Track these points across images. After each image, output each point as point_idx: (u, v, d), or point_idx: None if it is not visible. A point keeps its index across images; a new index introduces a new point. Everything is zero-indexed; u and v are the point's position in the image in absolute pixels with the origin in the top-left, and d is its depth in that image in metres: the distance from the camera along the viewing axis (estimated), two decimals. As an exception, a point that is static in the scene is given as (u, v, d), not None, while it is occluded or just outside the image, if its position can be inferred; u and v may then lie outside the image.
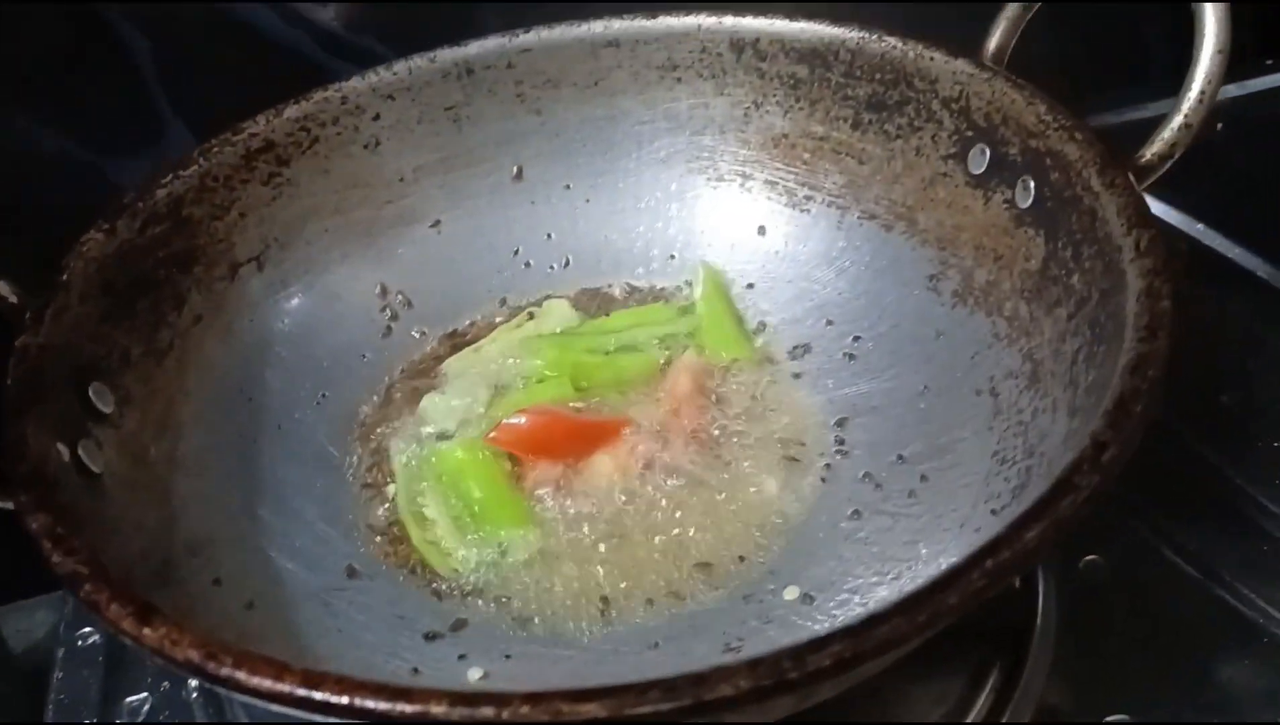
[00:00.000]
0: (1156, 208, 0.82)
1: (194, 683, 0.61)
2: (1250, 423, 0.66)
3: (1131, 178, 0.52)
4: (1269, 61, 0.96)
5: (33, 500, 0.44)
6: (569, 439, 0.62)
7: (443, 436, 0.64)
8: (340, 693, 0.35)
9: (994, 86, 0.60)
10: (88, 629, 0.65)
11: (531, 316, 0.71)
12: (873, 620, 0.36)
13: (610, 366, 0.67)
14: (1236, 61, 0.95)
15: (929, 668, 0.54)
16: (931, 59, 0.63)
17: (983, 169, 0.61)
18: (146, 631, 0.39)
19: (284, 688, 0.36)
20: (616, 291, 0.73)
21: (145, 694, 0.61)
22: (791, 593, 0.53)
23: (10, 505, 0.45)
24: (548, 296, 0.73)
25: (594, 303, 0.73)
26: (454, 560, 0.58)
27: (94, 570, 0.41)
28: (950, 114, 0.63)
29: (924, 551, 0.53)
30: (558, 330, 0.70)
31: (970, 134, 0.62)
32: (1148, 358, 0.43)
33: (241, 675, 0.36)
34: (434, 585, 0.57)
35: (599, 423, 0.63)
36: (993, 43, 0.62)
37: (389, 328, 0.70)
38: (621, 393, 0.66)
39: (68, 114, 0.79)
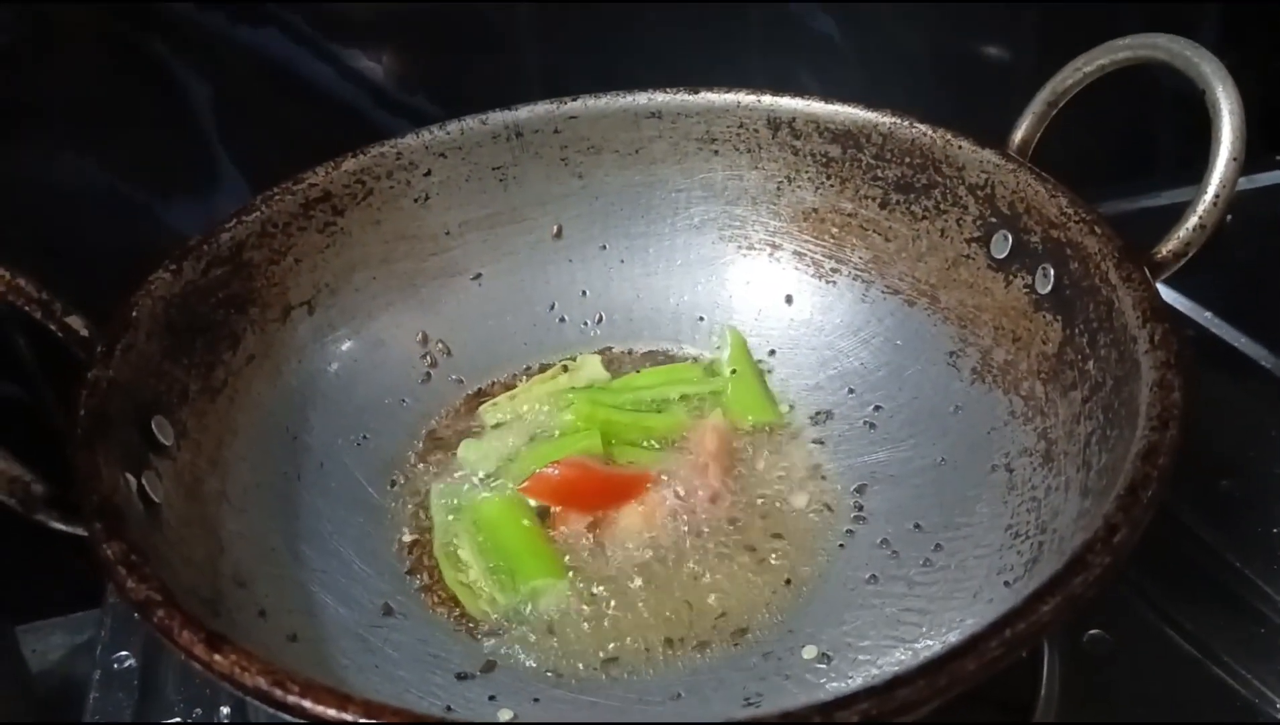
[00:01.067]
0: (1166, 295, 0.85)
1: (225, 709, 0.63)
2: (1250, 508, 0.69)
3: (1147, 272, 0.55)
4: (1278, 157, 1.00)
5: (106, 528, 0.46)
6: (598, 491, 0.65)
7: (479, 481, 0.67)
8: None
9: (1019, 177, 0.63)
10: (124, 652, 0.67)
11: (566, 369, 0.74)
12: (897, 681, 0.38)
13: (639, 425, 0.69)
14: (1247, 156, 0.99)
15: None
16: (960, 147, 0.66)
17: (1005, 254, 0.64)
18: (217, 658, 0.41)
19: (346, 717, 0.38)
20: (646, 349, 0.76)
21: (178, 719, 0.63)
22: (810, 651, 0.56)
23: (83, 532, 0.47)
24: (581, 351, 0.76)
25: (625, 359, 0.76)
26: (484, 602, 0.60)
27: (166, 598, 0.44)
28: (975, 200, 0.66)
29: (938, 618, 0.55)
30: (589, 385, 0.73)
31: (994, 220, 0.65)
32: (1159, 447, 0.46)
33: (307, 703, 0.39)
34: (466, 627, 0.59)
35: (627, 476, 0.66)
36: (1019, 135, 0.66)
37: (428, 375, 0.73)
38: (649, 449, 0.68)
39: (125, 157, 0.82)
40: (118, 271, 0.61)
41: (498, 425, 0.70)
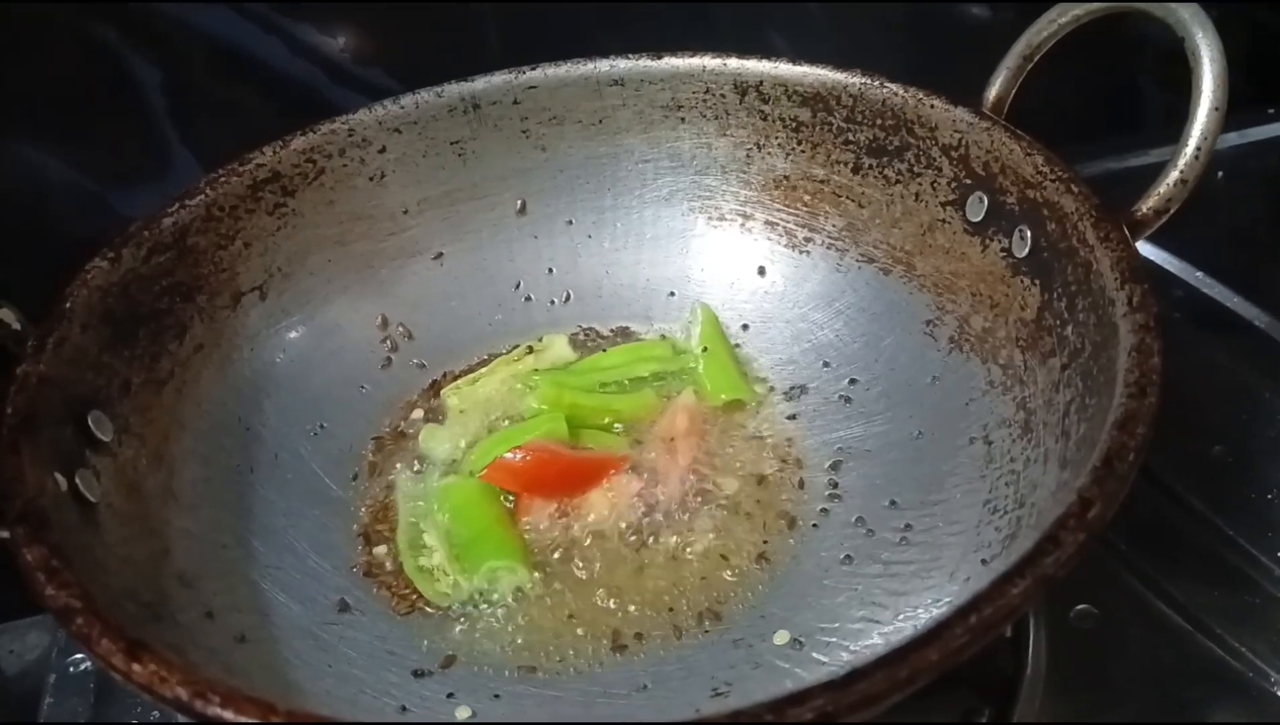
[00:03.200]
0: (1154, 255, 0.83)
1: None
2: (1242, 474, 0.67)
3: (1126, 232, 0.52)
4: (1270, 110, 0.97)
5: (27, 533, 0.44)
6: (563, 476, 0.62)
7: (441, 468, 0.65)
8: (325, 735, 0.35)
9: (993, 136, 0.60)
10: (79, 655, 0.65)
11: (531, 350, 0.72)
12: (854, 675, 0.36)
13: (606, 407, 0.67)
14: (1237, 110, 0.97)
15: (917, 715, 0.54)
16: (932, 106, 0.63)
17: (981, 217, 0.62)
18: (135, 668, 0.39)
19: (270, 728, 0.36)
20: (615, 327, 0.74)
21: (135, 723, 0.61)
22: (781, 637, 0.53)
23: (6, 536, 0.45)
24: (548, 331, 0.73)
25: (593, 337, 0.73)
26: (444, 586, 0.58)
27: (86, 604, 0.41)
28: (949, 161, 0.63)
29: (914, 599, 0.53)
30: (555, 366, 0.70)
31: (969, 182, 0.62)
32: (1136, 415, 0.43)
33: (229, 714, 0.36)
34: (424, 621, 0.57)
35: (592, 459, 0.63)
36: (992, 92, 0.63)
37: (389, 359, 0.71)
38: (617, 431, 0.66)
39: (74, 143, 0.80)
40: (69, 262, 0.59)
41: (461, 410, 0.68)
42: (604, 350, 0.72)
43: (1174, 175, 0.53)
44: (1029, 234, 0.58)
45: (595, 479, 0.62)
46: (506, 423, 0.67)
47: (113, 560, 0.50)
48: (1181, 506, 0.65)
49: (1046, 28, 0.61)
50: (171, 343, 0.62)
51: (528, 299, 0.75)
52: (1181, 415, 0.69)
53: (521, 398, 0.68)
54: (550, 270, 0.75)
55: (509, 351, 0.72)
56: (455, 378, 0.71)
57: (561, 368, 0.70)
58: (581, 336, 0.73)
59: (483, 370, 0.71)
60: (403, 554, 0.60)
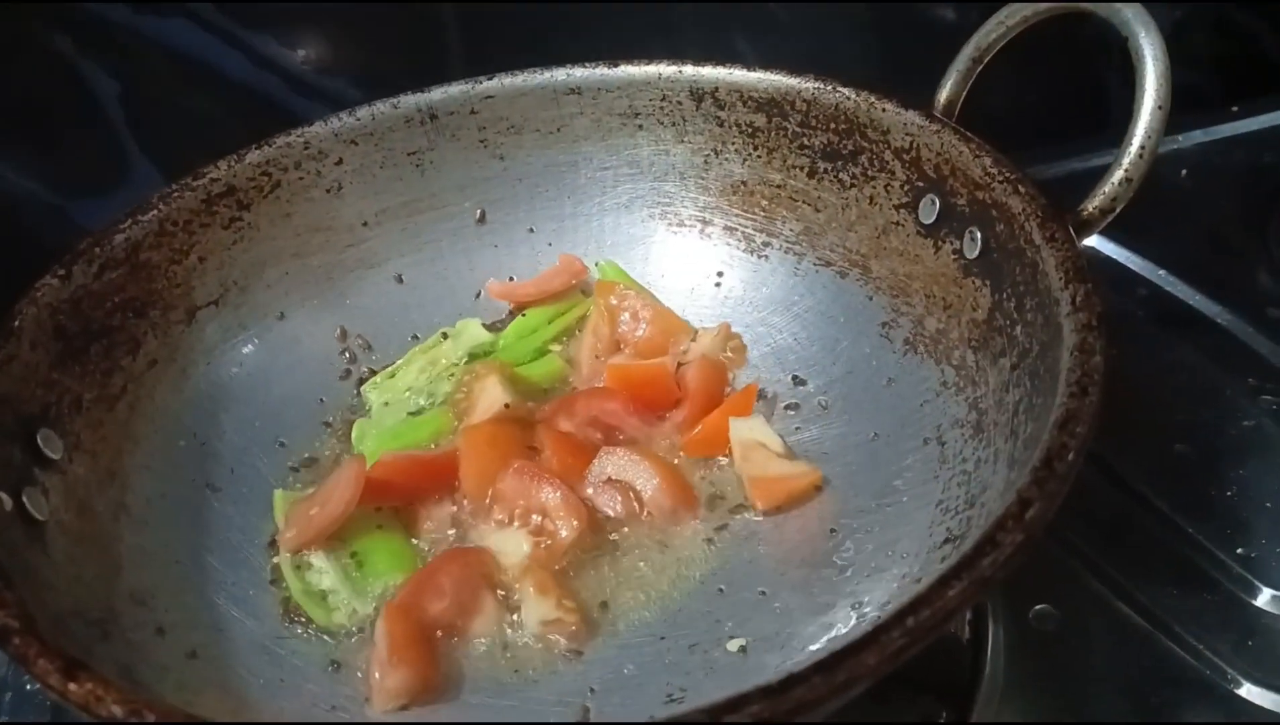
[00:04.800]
0: (1117, 253, 0.83)
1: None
2: (1204, 472, 0.66)
3: (1072, 231, 0.52)
4: (1234, 108, 0.97)
5: (-34, 552, 0.44)
6: (410, 482, 0.61)
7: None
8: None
9: (943, 138, 0.60)
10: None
11: (446, 336, 0.72)
12: (790, 681, 0.36)
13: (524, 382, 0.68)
14: (1202, 108, 0.97)
15: (874, 716, 0.54)
16: (884, 110, 0.64)
17: (933, 219, 0.62)
18: (72, 687, 0.39)
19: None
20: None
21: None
22: (735, 644, 0.53)
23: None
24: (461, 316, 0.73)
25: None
26: (339, 615, 0.57)
27: (24, 624, 0.41)
28: (902, 164, 0.63)
29: (866, 600, 0.53)
30: (470, 350, 0.71)
31: (921, 184, 0.62)
32: (1076, 414, 0.43)
33: (163, 734, 0.36)
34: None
35: (433, 458, 0.62)
36: (943, 95, 0.63)
37: (348, 371, 0.71)
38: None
39: (34, 155, 0.80)
40: (29, 275, 0.59)
41: (385, 403, 0.68)
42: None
43: (1119, 174, 0.53)
44: (979, 235, 0.58)
45: (442, 478, 0.61)
46: (402, 421, 0.67)
47: (61, 579, 0.50)
48: (1143, 505, 0.65)
49: (995, 29, 0.61)
50: (124, 358, 0.62)
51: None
52: (1143, 414, 0.70)
53: (437, 384, 0.68)
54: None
55: (474, 360, 0.72)
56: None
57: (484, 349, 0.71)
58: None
59: (399, 361, 0.71)
60: (288, 575, 0.58)
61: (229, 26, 0.81)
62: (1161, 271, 0.83)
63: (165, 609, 0.54)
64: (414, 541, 0.60)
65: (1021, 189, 0.55)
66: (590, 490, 0.61)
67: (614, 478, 0.61)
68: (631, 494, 0.61)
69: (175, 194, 0.66)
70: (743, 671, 0.52)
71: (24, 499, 0.51)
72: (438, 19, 0.85)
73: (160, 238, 0.64)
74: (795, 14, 0.93)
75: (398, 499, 0.61)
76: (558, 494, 0.58)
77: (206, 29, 0.80)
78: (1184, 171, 0.93)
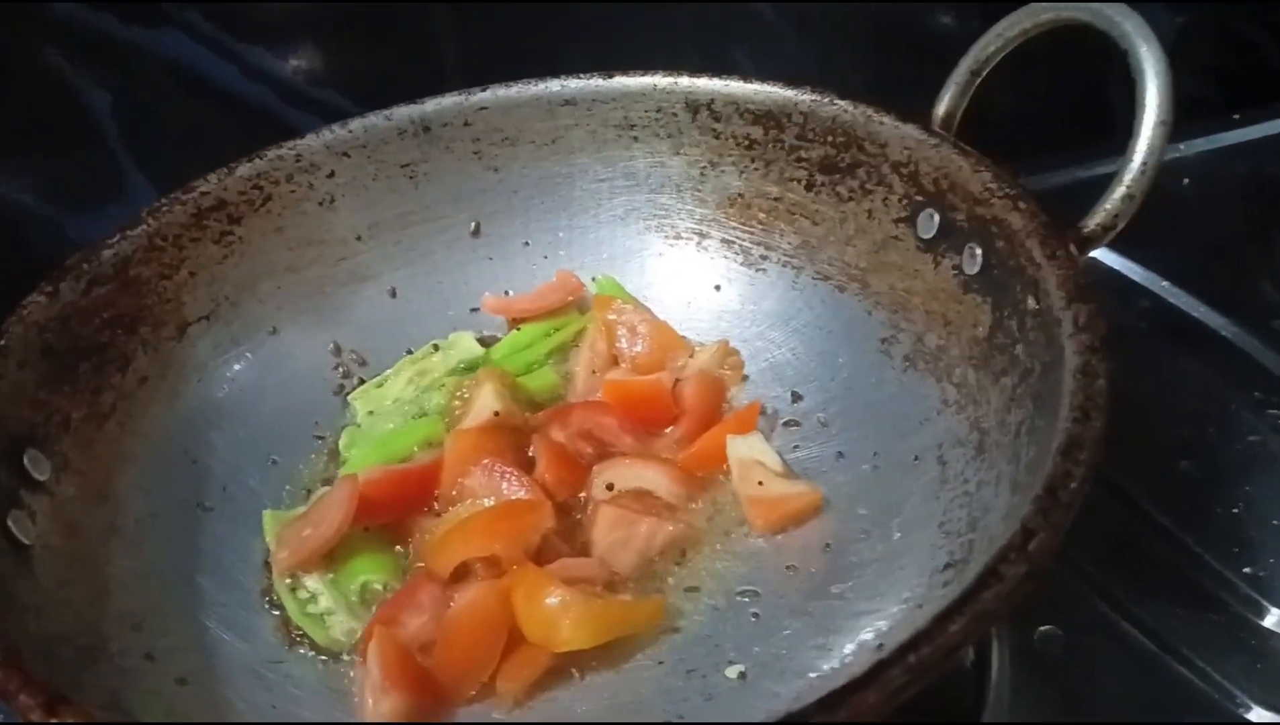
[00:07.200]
0: (1120, 264, 0.82)
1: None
2: (1209, 489, 0.66)
3: (1073, 249, 0.51)
4: (1236, 116, 0.96)
5: (-52, 583, 0.43)
6: (398, 495, 0.60)
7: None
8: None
9: (941, 152, 0.60)
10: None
11: (437, 348, 0.71)
12: (789, 720, 0.35)
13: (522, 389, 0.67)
14: (1204, 116, 0.96)
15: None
16: (882, 123, 0.63)
17: (932, 234, 0.61)
18: (53, 722, 0.38)
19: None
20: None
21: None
22: (734, 670, 0.52)
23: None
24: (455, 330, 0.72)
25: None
26: (335, 632, 0.56)
27: (6, 657, 0.40)
28: (900, 178, 0.62)
29: (866, 625, 0.52)
30: (460, 362, 0.70)
31: (920, 199, 0.62)
32: (1080, 440, 0.42)
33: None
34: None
35: (417, 471, 0.62)
36: (941, 108, 0.62)
37: (341, 386, 0.70)
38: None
39: (27, 169, 0.79)
40: (21, 289, 0.58)
41: (370, 412, 0.67)
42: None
43: (1120, 191, 0.53)
44: (979, 251, 0.57)
45: (425, 487, 0.61)
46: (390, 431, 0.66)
47: (48, 604, 0.49)
48: (1147, 523, 0.64)
49: (994, 42, 0.60)
50: (114, 376, 0.61)
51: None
52: (1147, 429, 0.69)
53: (427, 396, 0.67)
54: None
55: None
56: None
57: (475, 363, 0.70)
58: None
59: (388, 372, 0.70)
60: (284, 597, 0.57)
61: (221, 38, 0.80)
62: (1164, 283, 0.82)
63: (155, 633, 0.53)
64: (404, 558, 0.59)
65: (1022, 205, 0.54)
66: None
67: (617, 485, 0.61)
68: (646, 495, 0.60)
69: (164, 208, 0.65)
70: (742, 698, 0.51)
71: (9, 523, 0.50)
72: (431, 30, 0.84)
73: (150, 253, 0.64)
74: (793, 24, 0.92)
75: (385, 516, 0.60)
76: (522, 487, 0.58)
77: (199, 40, 0.79)
78: (1186, 181, 0.92)
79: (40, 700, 0.38)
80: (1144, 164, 0.52)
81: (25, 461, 0.53)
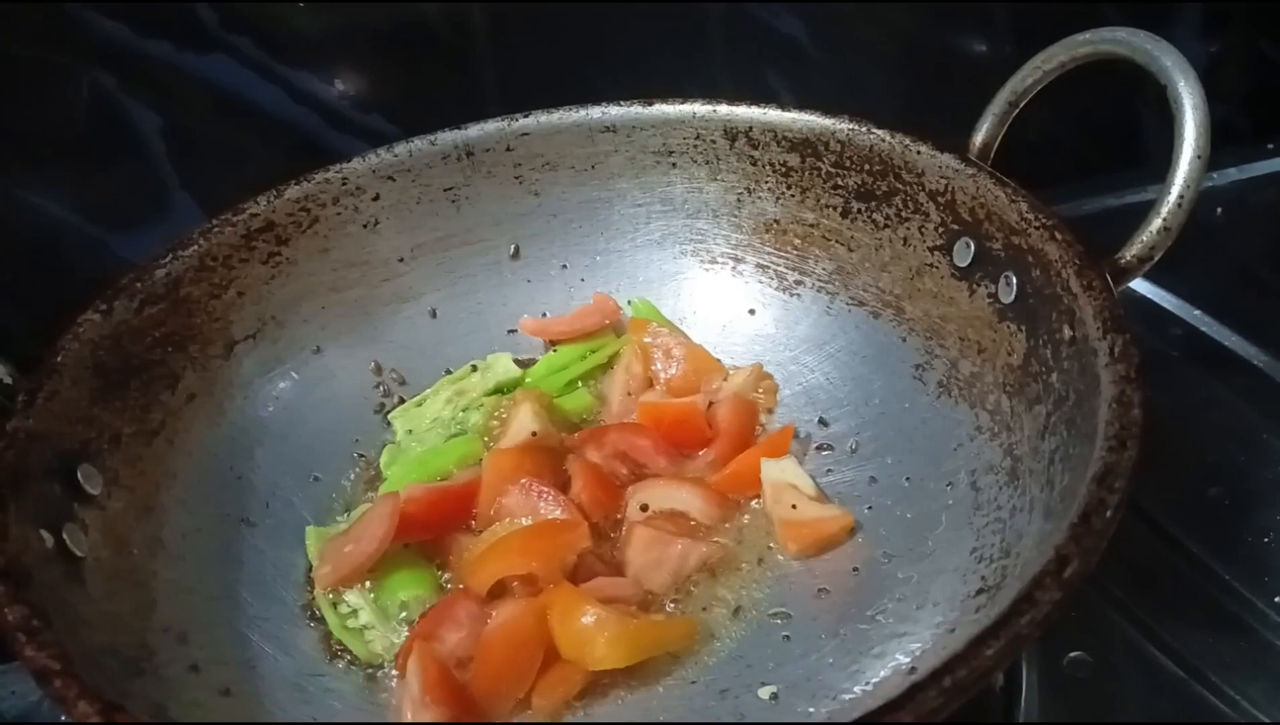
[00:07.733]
0: (1152, 292, 0.83)
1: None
2: (1239, 516, 0.66)
3: (1109, 279, 0.52)
4: (1270, 145, 0.96)
5: (8, 592, 0.44)
6: (437, 514, 0.61)
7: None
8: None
9: (978, 182, 0.60)
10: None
11: (475, 368, 0.72)
12: (826, 740, 0.36)
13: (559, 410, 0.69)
14: (1237, 144, 0.96)
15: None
16: (918, 152, 0.64)
17: (968, 262, 0.62)
18: (109, 730, 0.39)
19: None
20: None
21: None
22: (766, 690, 0.53)
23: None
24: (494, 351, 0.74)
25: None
26: (376, 646, 0.57)
27: (65, 666, 0.42)
28: (936, 207, 0.63)
29: (898, 648, 0.52)
30: (499, 383, 0.71)
31: (956, 227, 0.62)
32: (1115, 468, 0.43)
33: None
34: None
35: (456, 489, 0.62)
36: (979, 138, 0.63)
37: (382, 404, 0.71)
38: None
39: (76, 188, 0.81)
40: (70, 306, 0.59)
41: (409, 431, 0.68)
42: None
43: (1157, 222, 0.53)
44: (1014, 280, 0.58)
45: (465, 504, 0.62)
46: (426, 449, 0.67)
47: (97, 616, 0.50)
48: (1177, 550, 0.65)
49: (1031, 74, 0.61)
50: (163, 393, 0.62)
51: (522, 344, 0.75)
52: (1178, 456, 0.69)
53: (465, 416, 0.68)
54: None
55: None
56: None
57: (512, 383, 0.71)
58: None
59: (427, 391, 0.71)
60: (325, 610, 0.59)
61: (268, 62, 0.82)
62: (1196, 311, 0.82)
63: (199, 645, 0.54)
64: (442, 574, 0.60)
65: (1059, 236, 0.55)
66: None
67: (651, 506, 0.62)
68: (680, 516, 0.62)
69: (215, 229, 0.66)
70: (774, 719, 0.52)
71: (64, 536, 0.51)
72: (474, 56, 0.86)
73: (200, 273, 0.65)
74: (827, 51, 0.93)
75: (425, 533, 0.61)
76: (558, 507, 0.59)
77: (246, 64, 0.81)
78: (1219, 209, 0.92)
79: (97, 708, 0.40)
80: (1180, 197, 0.53)
81: (79, 476, 0.55)
